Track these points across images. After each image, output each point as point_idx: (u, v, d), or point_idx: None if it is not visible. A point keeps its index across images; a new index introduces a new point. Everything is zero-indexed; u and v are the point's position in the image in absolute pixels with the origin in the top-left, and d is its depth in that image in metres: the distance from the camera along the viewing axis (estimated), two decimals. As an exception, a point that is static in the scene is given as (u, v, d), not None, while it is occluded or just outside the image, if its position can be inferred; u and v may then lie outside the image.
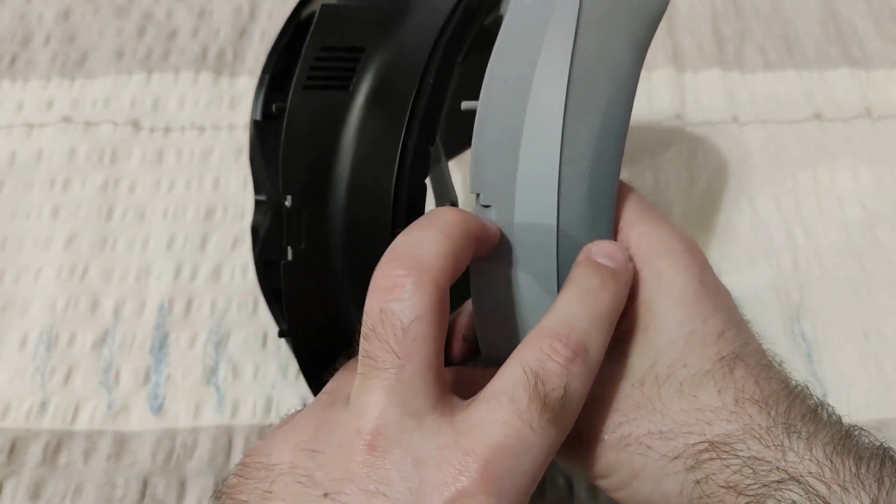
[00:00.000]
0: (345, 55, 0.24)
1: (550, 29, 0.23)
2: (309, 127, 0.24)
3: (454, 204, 0.30)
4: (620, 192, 0.24)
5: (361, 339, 0.20)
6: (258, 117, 0.25)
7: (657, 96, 0.42)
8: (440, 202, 0.31)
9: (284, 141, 0.24)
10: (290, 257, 0.24)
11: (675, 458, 0.21)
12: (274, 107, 0.25)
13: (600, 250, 0.23)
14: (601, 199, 0.23)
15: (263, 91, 0.29)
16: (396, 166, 0.23)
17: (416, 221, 0.22)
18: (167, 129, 0.42)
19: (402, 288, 0.20)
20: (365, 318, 0.20)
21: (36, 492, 0.31)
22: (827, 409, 0.22)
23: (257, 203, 0.26)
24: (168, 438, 0.32)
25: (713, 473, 0.21)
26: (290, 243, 0.24)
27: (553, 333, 0.21)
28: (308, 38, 0.25)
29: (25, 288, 0.37)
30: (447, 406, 0.20)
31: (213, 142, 0.41)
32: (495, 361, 0.24)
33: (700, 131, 0.41)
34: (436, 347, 0.20)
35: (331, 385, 0.23)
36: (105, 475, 0.31)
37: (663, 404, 0.22)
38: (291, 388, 0.33)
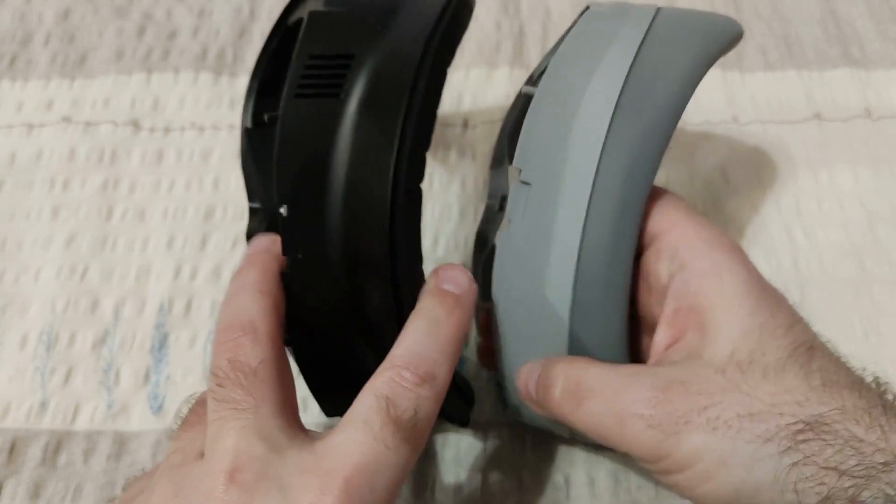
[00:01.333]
0: (335, 62, 0.24)
1: (619, 36, 0.25)
2: (301, 135, 0.24)
3: (504, 196, 0.31)
4: (662, 195, 0.25)
5: (213, 390, 0.22)
6: (248, 125, 0.25)
7: (657, 96, 0.42)
8: (494, 197, 0.32)
9: (278, 150, 0.24)
10: (287, 268, 0.24)
11: (768, 440, 0.21)
12: (266, 116, 0.25)
13: (446, 276, 0.24)
14: (633, 198, 0.24)
15: (253, 98, 0.29)
16: (392, 173, 0.23)
17: (232, 285, 0.24)
18: (167, 129, 0.42)
19: (242, 344, 0.22)
20: (215, 371, 0.22)
21: (36, 492, 0.31)
22: None
23: (252, 210, 0.26)
24: (168, 438, 0.32)
25: (813, 454, 0.20)
26: (288, 253, 0.24)
27: (403, 363, 0.22)
28: (297, 47, 0.24)
29: (25, 288, 0.37)
30: (306, 439, 0.22)
31: (213, 142, 0.41)
32: (508, 342, 0.26)
33: (700, 131, 0.41)
34: (283, 388, 0.22)
35: (176, 446, 0.23)
36: (105, 475, 0.31)
37: (750, 387, 0.22)
38: (291, 388, 0.33)
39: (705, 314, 0.23)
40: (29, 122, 0.42)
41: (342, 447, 0.21)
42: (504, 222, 0.25)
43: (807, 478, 0.20)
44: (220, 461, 0.20)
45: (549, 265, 0.24)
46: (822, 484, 0.20)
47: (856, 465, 0.20)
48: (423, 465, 0.31)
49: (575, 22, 0.27)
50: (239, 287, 0.24)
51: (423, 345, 0.23)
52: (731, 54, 0.44)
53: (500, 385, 0.29)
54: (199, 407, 0.24)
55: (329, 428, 0.22)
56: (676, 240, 0.24)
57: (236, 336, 0.22)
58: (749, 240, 0.37)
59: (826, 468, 0.20)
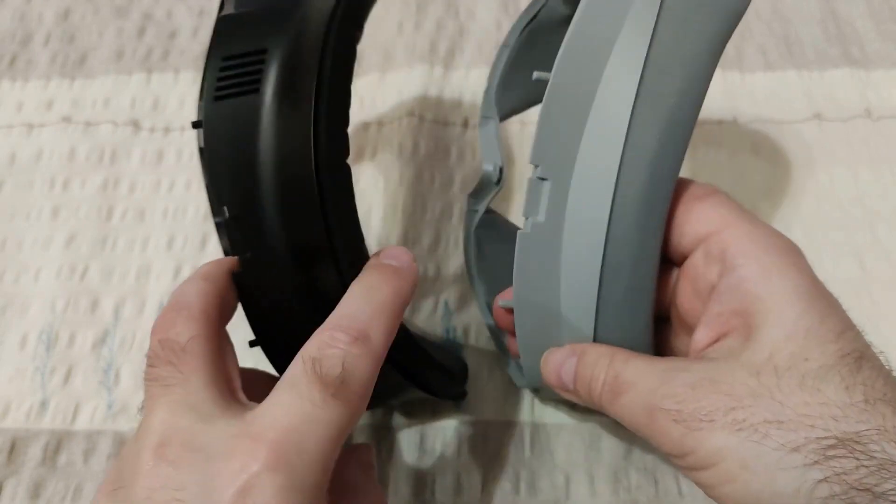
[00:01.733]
0: (249, 59, 0.24)
1: (632, 13, 0.23)
2: (227, 136, 0.24)
3: (501, 169, 0.31)
4: (710, 194, 0.25)
5: (146, 371, 0.22)
6: (202, 144, 0.25)
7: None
8: (488, 161, 0.32)
9: (207, 155, 0.24)
10: (239, 268, 0.24)
11: (794, 449, 0.20)
12: (192, 123, 0.25)
13: (387, 253, 0.25)
14: (659, 190, 0.23)
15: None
16: (313, 154, 0.23)
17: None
18: (167, 129, 0.42)
19: (173, 322, 0.22)
20: (148, 353, 0.22)
21: (36, 492, 0.31)
22: None
23: (217, 225, 0.26)
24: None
25: (844, 472, 0.19)
26: (236, 254, 0.24)
27: (334, 325, 0.22)
28: (209, 51, 0.25)
29: (25, 288, 0.37)
30: (239, 409, 0.21)
31: (213, 142, 0.41)
32: (530, 330, 0.25)
33: (700, 131, 0.41)
34: (215, 362, 0.22)
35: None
36: (105, 475, 0.31)
37: (783, 395, 0.21)
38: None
39: (751, 318, 0.22)
40: (29, 122, 0.42)
41: (270, 411, 0.20)
42: (523, 222, 0.25)
43: (836, 495, 0.19)
44: (149, 437, 0.20)
45: (573, 261, 0.24)
46: (850, 501, 0.19)
47: (893, 490, 0.19)
48: (423, 464, 0.31)
49: None
50: (187, 279, 0.24)
51: (355, 307, 0.23)
52: (732, 54, 0.44)
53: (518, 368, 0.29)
54: (145, 372, 0.23)
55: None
56: (726, 241, 0.24)
57: (170, 317, 0.22)
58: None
59: (858, 489, 0.19)
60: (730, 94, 0.42)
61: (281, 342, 0.25)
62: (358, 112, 0.42)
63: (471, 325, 0.35)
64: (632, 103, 0.23)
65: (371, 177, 0.40)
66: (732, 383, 0.22)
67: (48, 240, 0.38)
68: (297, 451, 0.20)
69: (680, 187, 0.25)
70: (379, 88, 0.43)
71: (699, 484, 0.22)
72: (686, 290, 0.26)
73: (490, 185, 0.32)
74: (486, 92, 0.33)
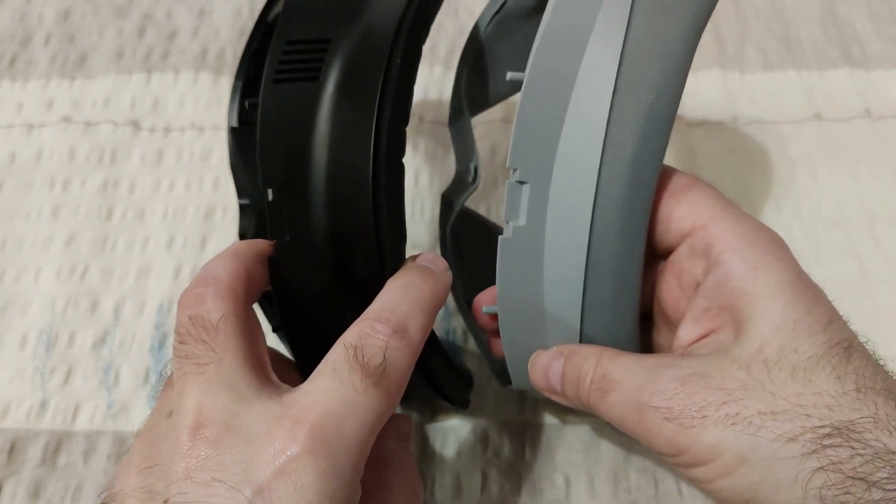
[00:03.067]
0: (312, 47, 0.24)
1: (604, 8, 0.23)
2: (282, 119, 0.24)
3: (476, 168, 0.31)
4: (694, 186, 0.24)
5: (176, 348, 0.22)
6: (234, 124, 0.25)
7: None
8: (461, 159, 0.31)
9: (260, 135, 0.24)
10: (275, 252, 0.24)
11: (790, 440, 0.20)
12: (247, 103, 0.25)
13: (424, 257, 0.25)
14: (641, 187, 0.23)
15: (238, 98, 0.29)
16: (372, 148, 0.23)
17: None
18: (167, 130, 0.42)
19: (203, 298, 0.22)
20: (177, 329, 0.22)
21: (36, 492, 0.31)
22: None
23: (242, 208, 0.26)
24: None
25: (840, 461, 0.19)
26: (275, 237, 0.24)
27: (375, 316, 0.22)
28: (274, 34, 0.25)
29: (25, 288, 0.37)
30: (274, 391, 0.21)
31: (213, 142, 0.41)
32: (515, 335, 0.25)
33: (699, 131, 0.41)
34: (247, 342, 0.22)
35: (154, 407, 0.23)
36: (105, 475, 0.31)
37: (775, 386, 0.21)
38: (291, 388, 0.33)
39: (738, 313, 0.22)
40: (29, 122, 0.42)
41: (310, 395, 0.20)
42: (504, 226, 0.24)
43: (832, 485, 0.19)
44: (186, 417, 0.20)
45: (557, 264, 0.24)
46: (847, 493, 0.19)
47: (886, 479, 0.19)
48: (423, 464, 0.31)
49: None
50: (216, 255, 0.24)
51: (395, 301, 0.22)
52: (732, 54, 0.44)
53: (501, 367, 0.29)
54: (173, 347, 0.23)
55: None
56: (711, 236, 0.23)
57: (199, 291, 0.22)
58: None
59: (854, 478, 0.19)
60: (729, 94, 0.42)
61: (308, 330, 0.25)
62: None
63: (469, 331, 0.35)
64: (609, 100, 0.22)
65: (371, 177, 0.40)
66: (723, 377, 0.21)
67: (48, 240, 0.38)
68: (337, 435, 0.20)
69: (663, 178, 0.24)
70: (379, 88, 0.43)
71: (694, 480, 0.22)
72: (670, 284, 0.26)
73: (465, 183, 0.32)
74: (455, 87, 0.32)
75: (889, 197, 0.38)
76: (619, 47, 0.22)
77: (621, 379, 0.23)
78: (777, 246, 0.23)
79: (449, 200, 0.32)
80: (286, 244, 0.24)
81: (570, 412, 0.32)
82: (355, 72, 0.24)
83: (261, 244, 0.24)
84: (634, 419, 0.23)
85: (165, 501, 0.19)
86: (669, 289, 0.26)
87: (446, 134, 0.41)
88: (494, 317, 0.26)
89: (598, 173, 0.23)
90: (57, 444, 0.32)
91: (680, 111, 0.42)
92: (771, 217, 0.38)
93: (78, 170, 0.40)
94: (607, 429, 0.32)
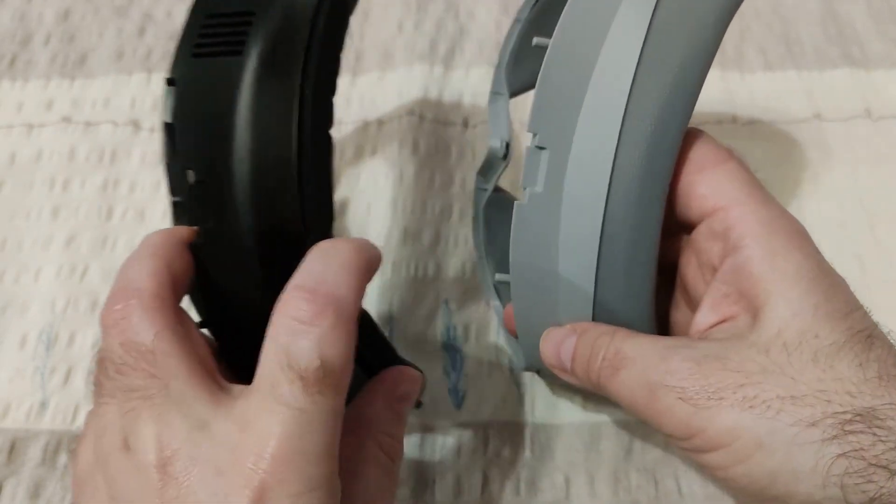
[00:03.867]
0: (235, 20, 0.23)
1: None
2: (202, 95, 0.22)
3: (508, 144, 0.30)
4: (724, 162, 0.24)
5: (113, 378, 0.21)
6: (169, 119, 0.23)
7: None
8: (495, 136, 0.31)
9: (178, 114, 0.22)
10: (198, 238, 0.23)
11: (811, 425, 0.19)
12: (165, 79, 0.23)
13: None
14: (660, 161, 0.23)
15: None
16: (296, 119, 0.22)
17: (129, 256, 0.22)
18: (167, 129, 0.42)
19: (129, 317, 0.20)
20: (110, 357, 0.21)
21: (36, 492, 0.31)
22: None
23: (174, 205, 0.24)
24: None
25: (862, 448, 0.19)
26: (198, 222, 0.23)
27: (297, 287, 0.20)
28: (191, 9, 0.24)
29: (25, 288, 0.36)
30: (224, 400, 0.20)
31: (213, 142, 0.41)
32: (527, 306, 0.25)
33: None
34: (188, 353, 0.21)
35: (96, 424, 0.21)
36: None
37: (795, 370, 0.20)
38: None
39: (756, 299, 0.22)
40: (29, 122, 0.42)
41: (261, 419, 0.19)
42: (520, 192, 0.24)
43: (854, 472, 0.19)
44: (148, 454, 0.20)
45: (572, 233, 0.23)
46: (870, 482, 0.18)
47: None
48: (423, 464, 0.31)
49: None
50: (132, 255, 0.22)
51: (318, 268, 0.21)
52: (732, 54, 0.44)
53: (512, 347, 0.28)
54: (105, 373, 0.21)
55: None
56: (732, 219, 0.23)
57: (121, 307, 0.21)
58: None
59: (876, 465, 0.18)
60: (730, 94, 0.42)
61: (236, 323, 0.23)
62: (358, 111, 0.42)
63: (471, 324, 0.35)
64: (633, 71, 0.22)
65: (370, 175, 0.40)
66: (741, 360, 0.21)
67: (48, 240, 0.38)
68: (302, 457, 0.19)
69: (694, 150, 0.24)
70: (379, 87, 0.43)
71: (707, 466, 0.21)
72: (691, 261, 0.25)
73: (497, 161, 0.31)
74: (497, 67, 0.32)
75: (889, 197, 0.38)
76: (647, 18, 0.22)
77: (634, 356, 0.23)
78: (799, 235, 0.23)
79: (482, 180, 0.32)
80: (209, 229, 0.22)
81: (574, 412, 0.32)
82: (278, 44, 0.22)
83: (180, 232, 0.23)
84: (646, 399, 0.22)
85: None
86: (690, 265, 0.25)
87: (446, 134, 0.41)
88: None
89: (617, 144, 0.22)
90: (57, 444, 0.32)
91: (680, 111, 0.42)
92: (771, 217, 0.38)
93: (78, 170, 0.40)
94: (608, 429, 0.32)
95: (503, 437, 0.32)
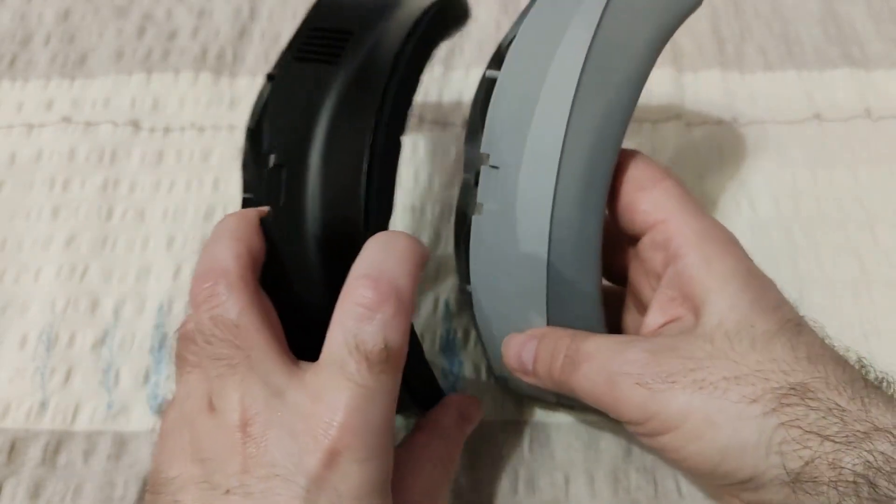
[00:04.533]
0: (335, 35, 0.26)
1: (579, 11, 0.25)
2: (296, 93, 0.25)
3: (477, 173, 0.30)
4: (661, 181, 0.26)
5: (203, 347, 0.23)
6: (253, 126, 0.26)
7: (656, 96, 0.42)
8: (469, 168, 0.31)
9: (272, 102, 0.25)
10: (268, 216, 0.25)
11: (753, 400, 0.22)
12: (267, 75, 0.26)
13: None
14: (597, 172, 0.25)
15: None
16: (374, 121, 0.24)
17: (211, 234, 0.24)
18: (167, 130, 0.42)
19: (216, 295, 0.22)
20: (200, 329, 0.23)
21: (36, 492, 0.31)
22: (891, 383, 0.23)
23: (244, 201, 0.27)
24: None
25: (797, 418, 0.21)
26: (270, 201, 0.25)
27: (362, 274, 0.22)
28: (302, 22, 0.27)
29: (25, 288, 0.37)
30: (298, 373, 0.23)
31: (213, 142, 0.41)
32: (487, 316, 0.27)
33: (700, 131, 0.41)
34: (267, 328, 0.23)
35: (184, 390, 0.24)
36: (105, 475, 0.31)
37: (737, 355, 0.23)
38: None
39: (696, 299, 0.24)
40: (29, 122, 0.42)
41: (330, 392, 0.22)
42: (477, 206, 0.26)
43: (791, 440, 0.21)
44: (232, 415, 0.22)
45: (522, 246, 0.25)
46: (805, 448, 0.21)
47: (838, 432, 0.21)
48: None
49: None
50: (214, 236, 0.24)
51: (379, 258, 0.23)
52: (732, 54, 0.44)
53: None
54: (192, 345, 0.24)
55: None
56: (671, 231, 0.25)
57: (210, 285, 0.23)
58: (748, 240, 0.37)
59: (810, 432, 0.21)
60: (729, 94, 0.42)
61: (293, 298, 0.25)
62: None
63: (470, 325, 0.35)
64: (573, 96, 0.24)
65: (371, 177, 0.40)
66: (690, 349, 0.23)
67: (48, 240, 0.38)
68: (366, 427, 0.21)
69: (633, 167, 0.26)
70: (379, 88, 0.43)
71: (661, 450, 0.24)
72: (638, 269, 0.28)
73: (470, 189, 0.31)
74: (473, 105, 0.32)
75: (889, 197, 0.38)
76: (585, 48, 0.24)
77: (593, 352, 0.25)
78: (730, 243, 0.25)
79: (462, 212, 0.32)
80: (279, 208, 0.25)
81: (573, 411, 0.32)
82: (370, 61, 0.25)
83: (253, 213, 0.25)
84: (606, 388, 0.24)
85: (227, 491, 0.21)
86: (637, 273, 0.28)
87: (446, 134, 0.41)
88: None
89: (560, 159, 0.24)
90: (57, 444, 0.32)
91: (680, 111, 0.42)
92: (770, 216, 0.38)
93: (78, 170, 0.40)
94: (607, 428, 0.32)
95: (502, 436, 0.32)
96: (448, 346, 0.34)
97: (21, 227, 0.39)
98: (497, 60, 0.27)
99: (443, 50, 0.44)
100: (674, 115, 0.41)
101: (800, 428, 0.21)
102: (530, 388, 0.28)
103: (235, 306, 0.22)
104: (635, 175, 0.26)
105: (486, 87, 0.27)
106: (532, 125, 0.25)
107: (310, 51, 0.26)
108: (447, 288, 0.36)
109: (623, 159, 0.26)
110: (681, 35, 0.45)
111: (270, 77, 0.26)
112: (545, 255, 0.25)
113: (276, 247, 0.25)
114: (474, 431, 0.32)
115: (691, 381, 0.22)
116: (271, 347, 0.22)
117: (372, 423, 0.22)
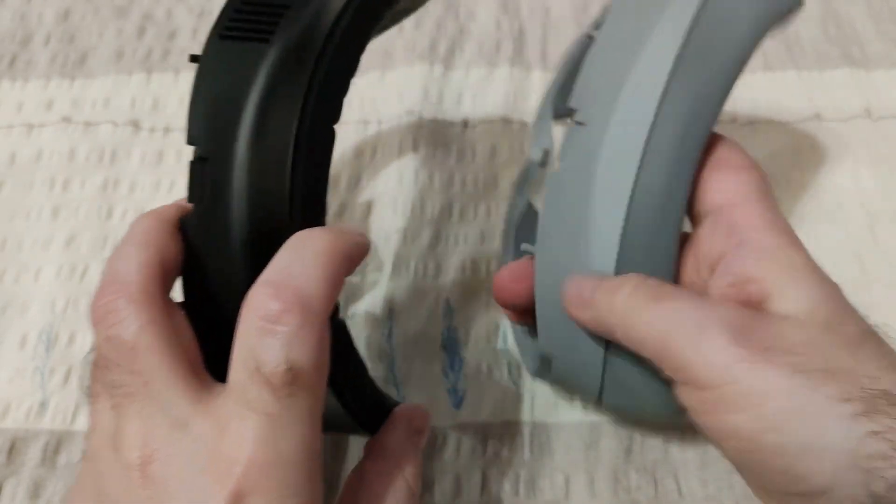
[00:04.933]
0: (269, 10, 0.23)
1: None
2: (220, 76, 0.23)
3: (547, 152, 0.30)
4: (740, 168, 0.24)
5: (101, 373, 0.21)
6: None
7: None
8: (536, 148, 0.30)
9: (194, 89, 0.23)
10: (189, 218, 0.22)
11: (846, 399, 0.19)
12: (189, 56, 0.24)
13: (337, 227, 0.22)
14: (689, 143, 0.24)
15: None
16: (299, 110, 0.22)
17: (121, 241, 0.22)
18: (167, 130, 0.42)
19: (115, 311, 0.20)
20: (99, 351, 0.21)
21: (36, 492, 0.31)
22: None
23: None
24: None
25: (888, 429, 0.18)
26: (193, 200, 0.22)
27: (263, 283, 0.20)
28: None
29: (25, 288, 0.37)
30: (205, 398, 0.20)
31: (212, 142, 0.41)
32: (550, 281, 0.25)
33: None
34: (173, 350, 0.20)
35: (90, 425, 0.21)
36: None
37: (832, 349, 0.20)
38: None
39: (765, 284, 0.22)
40: (29, 122, 0.42)
41: (234, 423, 0.19)
42: (553, 165, 0.25)
43: (879, 455, 0.18)
44: (131, 453, 0.19)
45: (598, 206, 0.24)
46: (893, 468, 0.18)
47: None
48: (422, 464, 0.31)
49: None
50: (122, 241, 0.22)
51: (287, 261, 0.20)
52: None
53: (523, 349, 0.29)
54: (96, 371, 0.21)
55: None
56: (737, 216, 0.23)
57: (106, 301, 0.20)
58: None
59: None
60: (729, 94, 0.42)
61: (214, 308, 0.23)
62: (358, 110, 0.42)
63: (471, 324, 0.35)
64: (673, 61, 0.24)
65: (371, 175, 0.40)
66: (786, 330, 0.21)
67: (48, 240, 0.38)
68: (278, 462, 0.19)
69: (721, 150, 0.25)
70: (379, 87, 0.43)
71: (723, 432, 0.21)
72: (687, 251, 0.25)
73: (534, 169, 0.31)
74: (552, 85, 0.32)
75: (889, 197, 0.38)
76: (690, 17, 0.24)
77: (681, 295, 0.22)
78: (798, 240, 0.24)
79: (517, 193, 0.31)
80: (201, 206, 0.22)
81: (573, 411, 0.32)
82: (304, 38, 0.23)
83: (169, 212, 0.22)
84: (692, 334, 0.21)
85: None
86: (684, 256, 0.26)
87: (446, 134, 0.41)
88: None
89: (651, 126, 0.23)
90: (57, 444, 0.32)
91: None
92: (771, 217, 0.38)
93: (78, 170, 0.40)
94: (607, 428, 0.32)
95: (502, 436, 0.32)
96: (449, 344, 0.34)
97: (21, 227, 0.39)
98: (597, 24, 0.26)
99: (442, 49, 0.44)
100: (674, 114, 0.41)
101: (889, 441, 0.18)
102: (572, 374, 0.27)
103: (133, 325, 0.20)
104: (721, 156, 0.25)
105: (583, 45, 0.26)
106: (626, 87, 0.24)
107: (237, 27, 0.23)
108: (448, 287, 0.36)
109: (713, 139, 0.25)
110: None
111: (193, 58, 0.23)
112: (622, 220, 0.24)
113: (197, 251, 0.22)
114: (474, 431, 0.32)
115: (787, 362, 0.20)
116: (175, 371, 0.20)
117: (285, 458, 0.19)
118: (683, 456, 0.31)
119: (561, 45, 0.44)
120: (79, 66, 0.45)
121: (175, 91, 0.43)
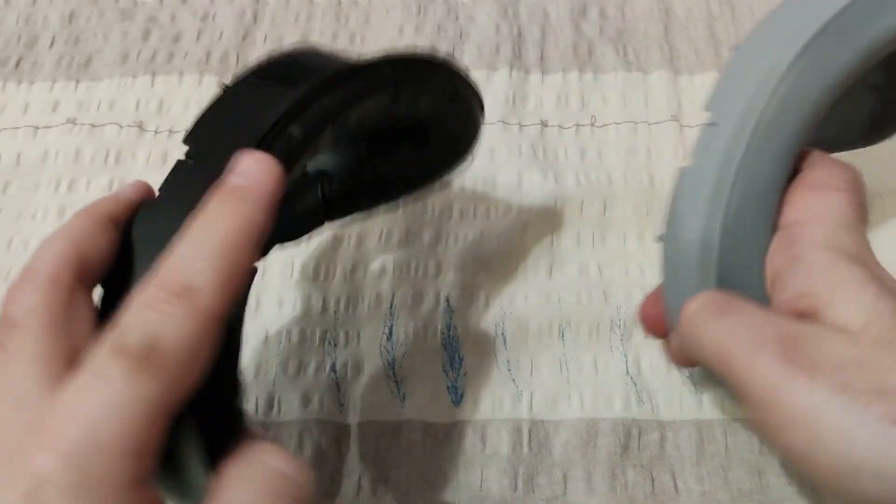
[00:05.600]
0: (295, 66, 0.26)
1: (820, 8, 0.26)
2: (238, 106, 0.24)
3: None
4: (830, 191, 0.25)
5: None
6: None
7: (653, 99, 0.42)
8: None
9: (213, 105, 0.24)
10: (146, 208, 0.23)
11: (894, 421, 0.18)
12: (220, 83, 0.25)
13: (236, 166, 0.21)
14: (788, 148, 0.26)
15: None
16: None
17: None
18: (171, 131, 0.42)
19: (17, 292, 0.20)
20: None
21: (41, 487, 0.31)
22: None
23: None
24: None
25: None
26: (160, 192, 0.23)
27: (155, 278, 0.19)
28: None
29: (31, 287, 0.37)
30: (61, 386, 0.18)
31: (216, 143, 0.42)
32: (672, 269, 0.28)
33: (696, 133, 0.41)
34: (51, 334, 0.19)
35: None
36: None
37: (886, 366, 0.20)
38: (292, 385, 0.34)
39: (820, 298, 0.22)
40: (34, 123, 0.43)
41: (70, 395, 0.17)
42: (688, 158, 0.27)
43: None
44: None
45: (706, 202, 0.26)
46: None
47: None
48: (422, 464, 0.31)
49: None
50: (52, 234, 0.22)
51: (181, 251, 0.19)
52: (729, 55, 0.44)
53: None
54: None
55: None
56: (802, 233, 0.23)
57: (17, 284, 0.20)
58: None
59: None
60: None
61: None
62: (359, 114, 0.42)
63: (472, 322, 0.35)
64: (781, 74, 0.25)
65: (372, 178, 0.40)
66: (837, 346, 0.20)
67: (54, 239, 0.38)
68: (93, 445, 0.17)
69: (812, 166, 0.25)
70: (380, 90, 0.43)
71: (789, 451, 0.20)
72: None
73: None
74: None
75: (889, 196, 0.38)
76: (807, 39, 0.25)
77: (742, 307, 0.23)
78: (863, 249, 0.23)
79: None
80: (159, 199, 0.23)
81: (571, 409, 0.32)
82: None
83: (101, 207, 0.22)
84: (746, 348, 0.21)
85: None
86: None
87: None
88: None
89: (752, 132, 0.25)
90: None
91: (677, 114, 0.42)
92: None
93: (83, 171, 0.41)
94: (605, 425, 0.32)
95: (501, 434, 0.32)
96: (449, 343, 0.35)
97: (27, 227, 0.39)
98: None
99: (442, 52, 0.45)
100: (670, 117, 0.42)
101: None
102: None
103: (24, 305, 0.20)
104: (814, 175, 0.25)
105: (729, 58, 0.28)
106: (745, 94, 0.26)
107: (270, 75, 0.25)
108: (448, 283, 0.36)
109: (816, 158, 0.25)
110: (677, 38, 0.45)
111: (223, 86, 0.25)
112: (721, 215, 0.25)
113: (136, 245, 0.22)
114: (473, 428, 0.32)
115: (836, 381, 0.19)
116: (42, 356, 0.19)
117: (103, 442, 0.17)
118: (680, 452, 0.31)
119: (559, 47, 0.45)
120: (84, 68, 0.45)
121: (179, 93, 0.44)
